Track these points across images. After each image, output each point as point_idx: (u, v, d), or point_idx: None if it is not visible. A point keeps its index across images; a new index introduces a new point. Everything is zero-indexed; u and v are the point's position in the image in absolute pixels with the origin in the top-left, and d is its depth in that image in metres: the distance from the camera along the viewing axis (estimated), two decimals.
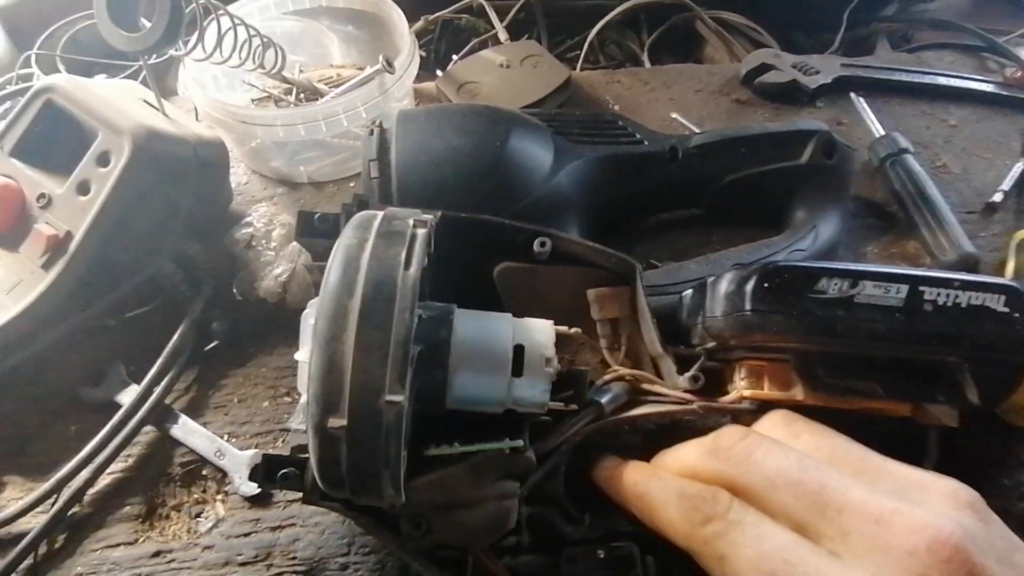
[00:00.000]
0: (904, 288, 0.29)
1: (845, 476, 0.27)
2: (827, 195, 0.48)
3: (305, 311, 0.33)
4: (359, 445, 0.26)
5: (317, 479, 0.28)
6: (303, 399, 0.36)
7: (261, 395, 0.42)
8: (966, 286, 0.29)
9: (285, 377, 0.43)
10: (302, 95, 0.60)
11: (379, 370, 0.26)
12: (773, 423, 0.30)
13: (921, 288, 0.29)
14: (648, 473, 0.31)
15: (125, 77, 0.65)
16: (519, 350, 0.31)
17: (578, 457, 0.34)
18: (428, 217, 0.31)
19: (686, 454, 0.31)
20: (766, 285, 0.30)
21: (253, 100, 0.60)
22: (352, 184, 0.55)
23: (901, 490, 0.26)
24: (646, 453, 0.34)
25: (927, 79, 0.61)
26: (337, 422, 0.26)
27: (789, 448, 0.28)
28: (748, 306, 0.30)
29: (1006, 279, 0.45)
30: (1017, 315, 0.29)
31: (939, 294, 0.29)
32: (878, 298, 0.30)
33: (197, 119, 0.55)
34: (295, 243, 0.44)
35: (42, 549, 0.36)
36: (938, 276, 0.29)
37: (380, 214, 0.31)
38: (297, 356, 0.32)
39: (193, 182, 0.46)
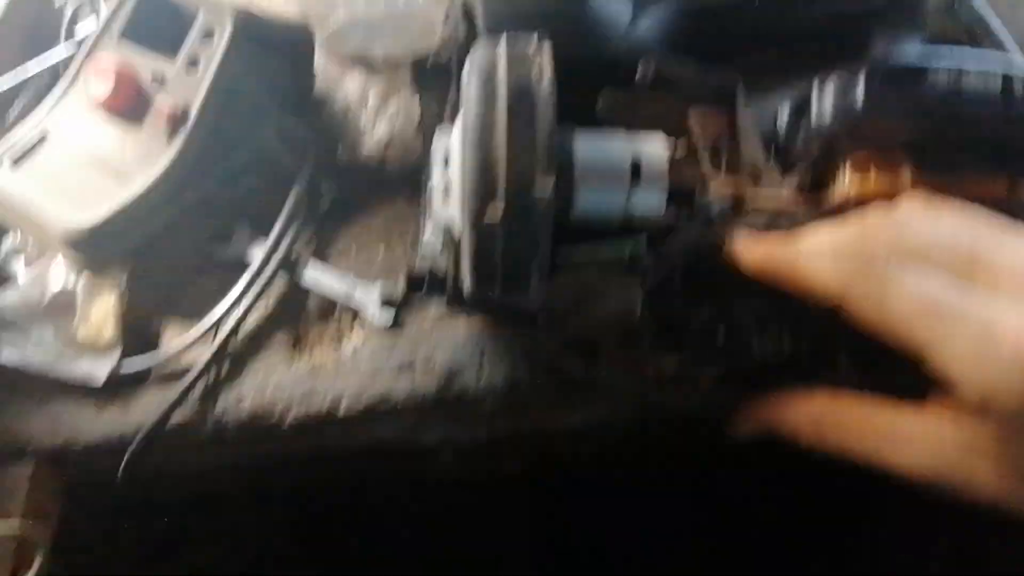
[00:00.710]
0: (998, 77, 0.32)
1: (992, 239, 0.29)
2: (902, 30, 0.49)
3: (434, 144, 0.36)
4: (513, 235, 0.30)
5: (471, 277, 0.32)
6: (428, 230, 0.40)
7: (377, 243, 0.46)
8: None
9: (396, 227, 0.47)
10: None
11: (529, 167, 0.29)
12: (909, 204, 0.31)
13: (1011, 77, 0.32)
14: (794, 239, 0.33)
15: None
16: (636, 161, 0.34)
17: (690, 269, 0.38)
18: (545, 42, 0.33)
19: (823, 233, 0.32)
20: (878, 81, 0.32)
21: None
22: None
23: None
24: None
25: None
26: (494, 213, 0.29)
27: (935, 222, 0.30)
28: (859, 101, 0.32)
29: None
30: None
31: None
32: (980, 87, 0.32)
33: None
34: (391, 107, 0.47)
35: (212, 374, 0.41)
36: None
37: (502, 38, 0.33)
38: (432, 181, 0.35)
39: (287, 58, 0.49)
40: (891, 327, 0.28)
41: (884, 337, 0.29)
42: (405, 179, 0.48)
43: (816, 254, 0.31)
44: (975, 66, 0.32)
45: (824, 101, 0.35)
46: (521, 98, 0.29)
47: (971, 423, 0.27)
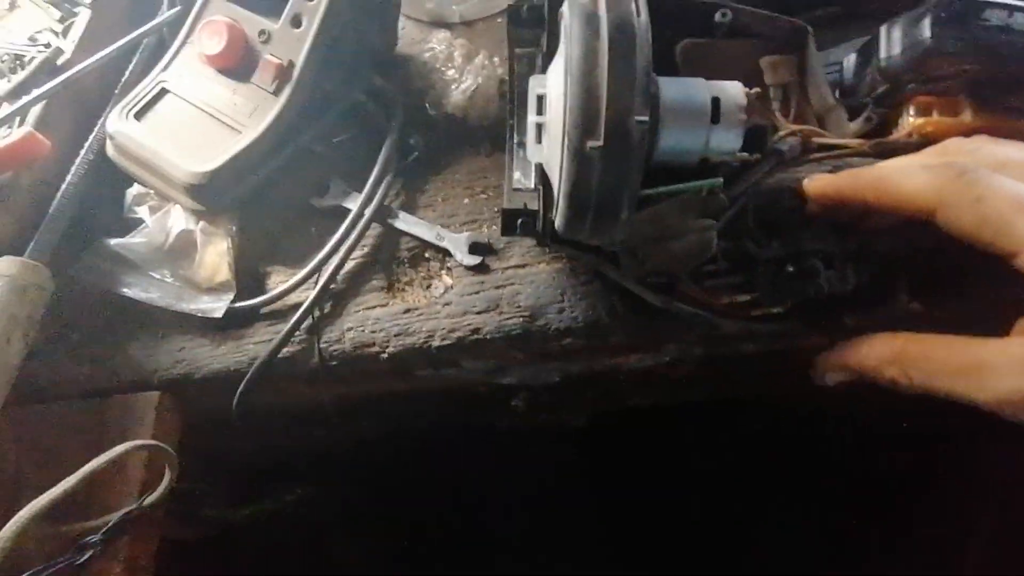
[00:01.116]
0: None
1: None
2: None
3: (529, 86, 0.39)
4: (611, 164, 0.32)
5: (565, 209, 0.35)
6: (517, 175, 0.43)
7: (461, 194, 0.49)
8: None
9: (479, 179, 0.50)
10: None
11: (629, 95, 0.32)
12: (976, 139, 0.34)
13: None
14: (881, 164, 0.35)
15: None
16: (716, 101, 0.37)
17: (762, 207, 0.40)
18: None
19: (902, 161, 0.34)
20: (943, 15, 0.34)
21: None
22: (499, 20, 0.59)
23: None
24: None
25: None
26: (595, 143, 0.32)
27: (1006, 146, 0.32)
28: (928, 33, 0.34)
29: None
30: None
31: None
32: None
33: None
34: (478, 60, 0.50)
35: (316, 313, 0.45)
36: None
37: None
38: (529, 119, 0.38)
39: (376, 20, 0.52)
40: (989, 226, 0.29)
41: (979, 240, 0.30)
42: (487, 133, 0.51)
43: (905, 168, 0.33)
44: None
45: (892, 40, 0.37)
46: (622, 33, 0.32)
47: None
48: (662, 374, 0.48)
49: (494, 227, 0.47)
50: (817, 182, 0.37)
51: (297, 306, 0.45)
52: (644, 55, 0.32)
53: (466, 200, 0.49)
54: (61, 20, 0.54)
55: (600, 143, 0.32)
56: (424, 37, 0.60)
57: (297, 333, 0.44)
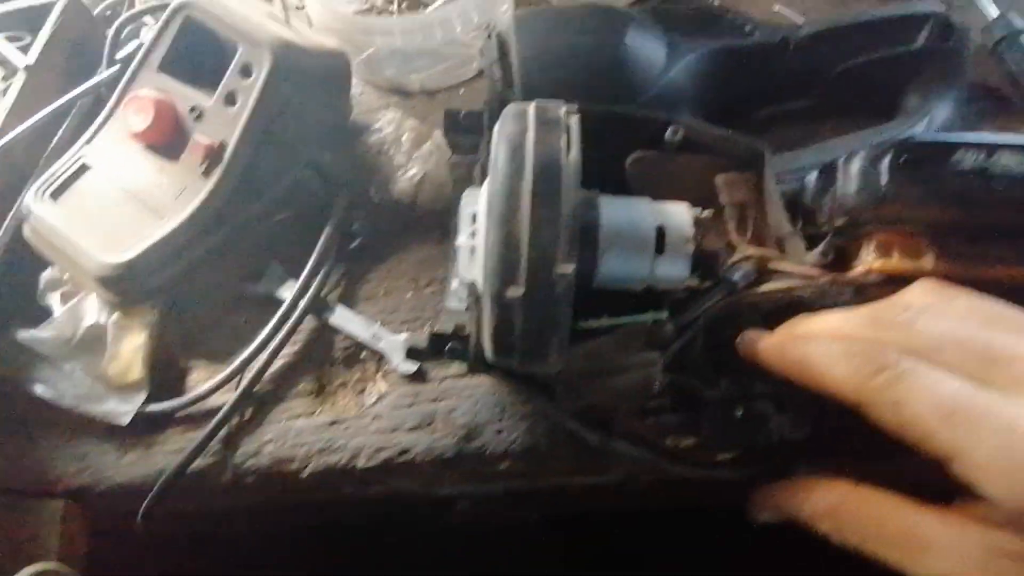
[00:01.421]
0: None
1: (1009, 333, 0.28)
2: (942, 79, 0.48)
3: (462, 201, 0.36)
4: (533, 313, 0.30)
5: (490, 347, 0.32)
6: (454, 284, 0.40)
7: (404, 287, 0.46)
8: None
9: (425, 270, 0.47)
10: (403, 4, 0.61)
11: (552, 244, 0.29)
12: (923, 289, 0.31)
13: None
14: (805, 338, 0.32)
15: None
16: (661, 231, 0.34)
17: (712, 333, 0.37)
18: (575, 107, 0.33)
19: (840, 322, 0.32)
20: (903, 158, 0.31)
21: (355, 12, 0.62)
22: (461, 91, 0.57)
23: None
24: (766, 330, 0.36)
25: None
26: (515, 292, 0.29)
27: (949, 312, 0.29)
28: (885, 179, 0.31)
29: None
30: None
31: None
32: (1012, 168, 0.31)
33: (310, 27, 0.58)
34: (426, 146, 0.47)
35: (234, 421, 0.42)
36: None
37: (532, 105, 0.33)
38: (457, 242, 0.35)
39: (322, 92, 0.49)
40: (911, 433, 0.27)
41: (903, 441, 0.28)
42: (436, 220, 0.48)
43: (827, 353, 0.30)
44: (1011, 146, 0.31)
45: (848, 179, 0.34)
46: (547, 176, 0.29)
47: (1000, 531, 0.26)
48: (614, 489, 0.45)
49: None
50: (747, 344, 0.35)
51: (216, 411, 0.42)
52: (570, 199, 0.29)
53: (410, 294, 0.46)
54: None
55: (520, 292, 0.29)
56: (384, 104, 0.57)
57: (212, 444, 0.41)
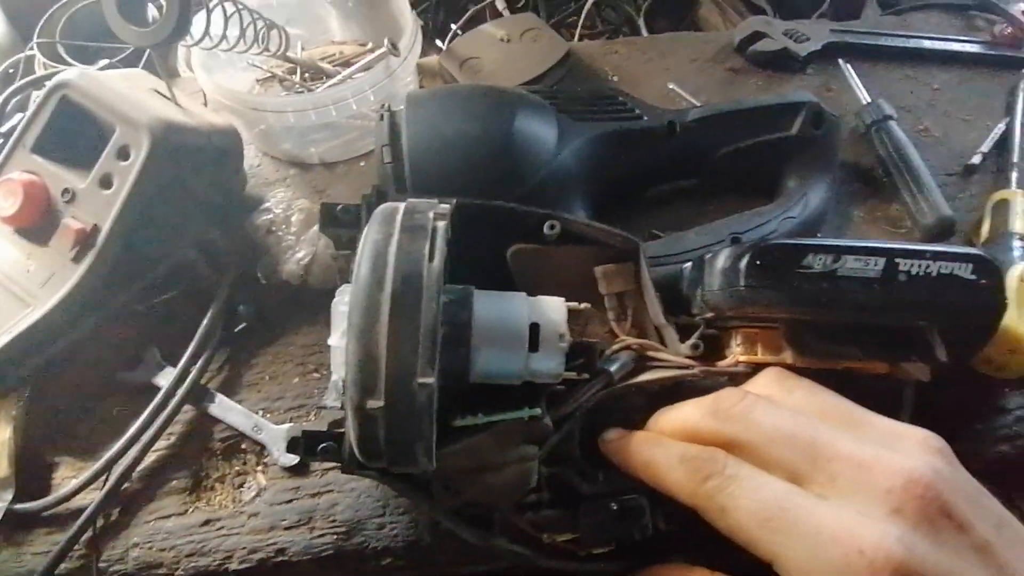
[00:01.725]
0: (881, 260, 0.32)
1: (834, 429, 0.30)
2: (816, 164, 0.51)
3: (335, 298, 0.35)
4: (395, 423, 0.29)
5: (356, 453, 0.31)
6: (335, 377, 0.39)
7: (291, 372, 0.45)
8: (937, 256, 0.32)
9: (313, 355, 0.46)
10: (306, 75, 0.61)
11: (411, 356, 0.28)
12: (767, 380, 0.33)
13: (896, 260, 0.32)
14: (651, 441, 0.34)
15: (127, 57, 0.66)
16: (535, 328, 0.34)
17: (592, 421, 0.38)
18: (446, 208, 0.33)
19: (687, 415, 0.34)
20: (758, 262, 0.32)
21: (257, 80, 0.62)
22: (362, 163, 0.56)
23: (881, 439, 0.30)
24: (650, 413, 0.37)
25: (912, 43, 0.63)
26: (375, 403, 0.29)
27: (783, 406, 0.31)
28: (742, 282, 0.33)
29: (977, 245, 0.48)
30: (984, 281, 0.32)
31: (912, 265, 0.31)
32: (858, 271, 0.32)
33: (204, 104, 0.57)
34: (315, 228, 0.46)
35: (99, 522, 0.39)
36: (912, 248, 0.32)
37: (402, 207, 0.33)
38: (330, 341, 0.35)
39: (210, 170, 0.48)
40: (738, 537, 0.29)
41: (735, 544, 0.29)
42: (325, 303, 0.46)
43: (667, 457, 0.32)
44: (856, 250, 0.33)
45: (714, 273, 0.35)
46: (407, 286, 0.29)
47: None
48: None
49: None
50: (605, 443, 0.36)
51: (82, 511, 0.39)
52: (431, 312, 0.29)
53: (296, 379, 0.45)
54: None
55: (380, 404, 0.28)
56: (282, 176, 0.57)
57: (76, 548, 0.39)
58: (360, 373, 0.29)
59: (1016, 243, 0.46)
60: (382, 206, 0.33)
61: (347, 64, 0.62)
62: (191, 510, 0.40)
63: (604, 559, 0.36)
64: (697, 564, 0.34)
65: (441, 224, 0.32)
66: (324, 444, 0.35)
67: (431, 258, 0.30)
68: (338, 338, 0.34)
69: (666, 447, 0.33)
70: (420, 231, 0.31)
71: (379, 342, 0.28)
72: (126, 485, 0.41)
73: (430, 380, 0.28)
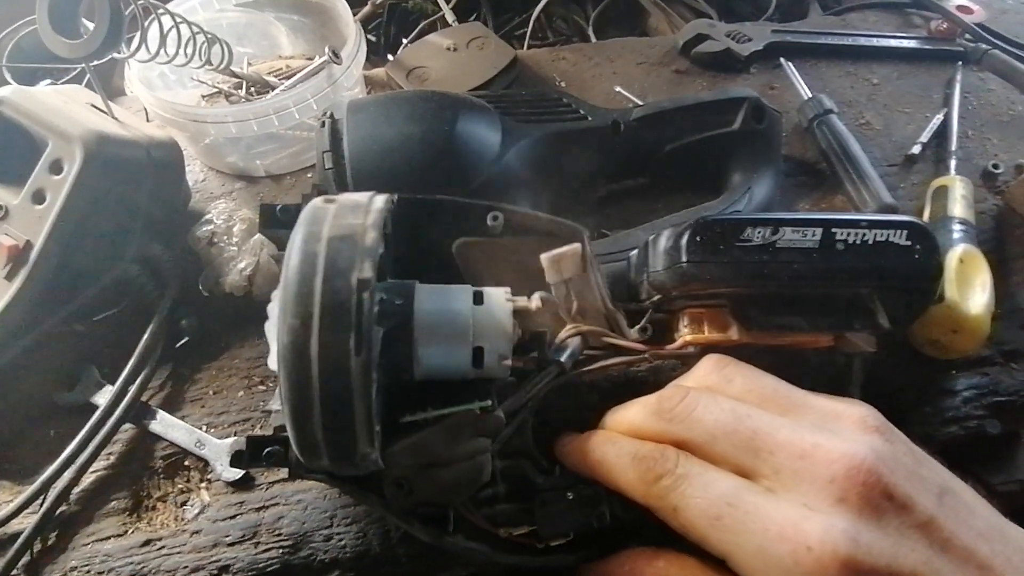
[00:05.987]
0: (819, 231, 0.32)
1: (774, 417, 0.30)
2: (759, 158, 0.51)
3: (271, 302, 0.34)
4: (328, 405, 0.28)
5: (295, 449, 0.30)
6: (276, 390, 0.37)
7: (236, 385, 0.44)
8: (872, 225, 0.32)
9: (258, 367, 0.44)
10: (252, 88, 0.60)
11: (343, 335, 0.27)
12: (707, 369, 0.33)
13: (833, 230, 0.32)
14: (603, 440, 0.33)
15: (71, 79, 0.65)
16: (478, 350, 0.33)
17: (546, 411, 0.37)
18: (381, 205, 0.32)
19: (634, 414, 0.33)
20: (699, 238, 0.32)
21: (203, 96, 0.61)
22: (309, 175, 0.56)
23: (820, 421, 0.30)
24: (603, 411, 0.36)
25: (851, 40, 0.65)
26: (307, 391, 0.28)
27: (723, 398, 0.31)
28: (684, 258, 0.33)
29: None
30: (918, 247, 0.32)
31: (849, 234, 0.32)
32: (797, 241, 0.33)
33: (148, 119, 0.56)
34: (257, 237, 0.45)
35: (36, 547, 0.38)
36: (848, 218, 0.32)
37: (333, 207, 0.32)
38: (269, 363, 0.34)
39: (149, 184, 0.47)
40: (691, 535, 0.29)
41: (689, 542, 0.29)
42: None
43: (619, 456, 0.32)
44: (793, 222, 0.33)
45: (657, 254, 0.35)
46: (336, 308, 0.28)
47: None
48: None
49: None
50: (559, 447, 0.36)
51: (17, 536, 0.37)
52: (368, 321, 0.28)
53: (241, 393, 0.43)
54: None
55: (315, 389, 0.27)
56: (228, 190, 0.56)
57: (14, 572, 0.37)
58: (294, 395, 0.28)
59: (956, 226, 0.47)
60: (310, 204, 0.32)
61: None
62: (131, 531, 0.38)
63: (563, 551, 0.35)
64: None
65: (371, 236, 0.30)
66: (269, 448, 0.34)
67: (360, 266, 0.29)
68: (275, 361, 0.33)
69: (618, 446, 0.32)
70: (349, 238, 0.30)
71: (310, 341, 0.27)
72: (63, 508, 0.39)
73: (359, 365, 0.27)
